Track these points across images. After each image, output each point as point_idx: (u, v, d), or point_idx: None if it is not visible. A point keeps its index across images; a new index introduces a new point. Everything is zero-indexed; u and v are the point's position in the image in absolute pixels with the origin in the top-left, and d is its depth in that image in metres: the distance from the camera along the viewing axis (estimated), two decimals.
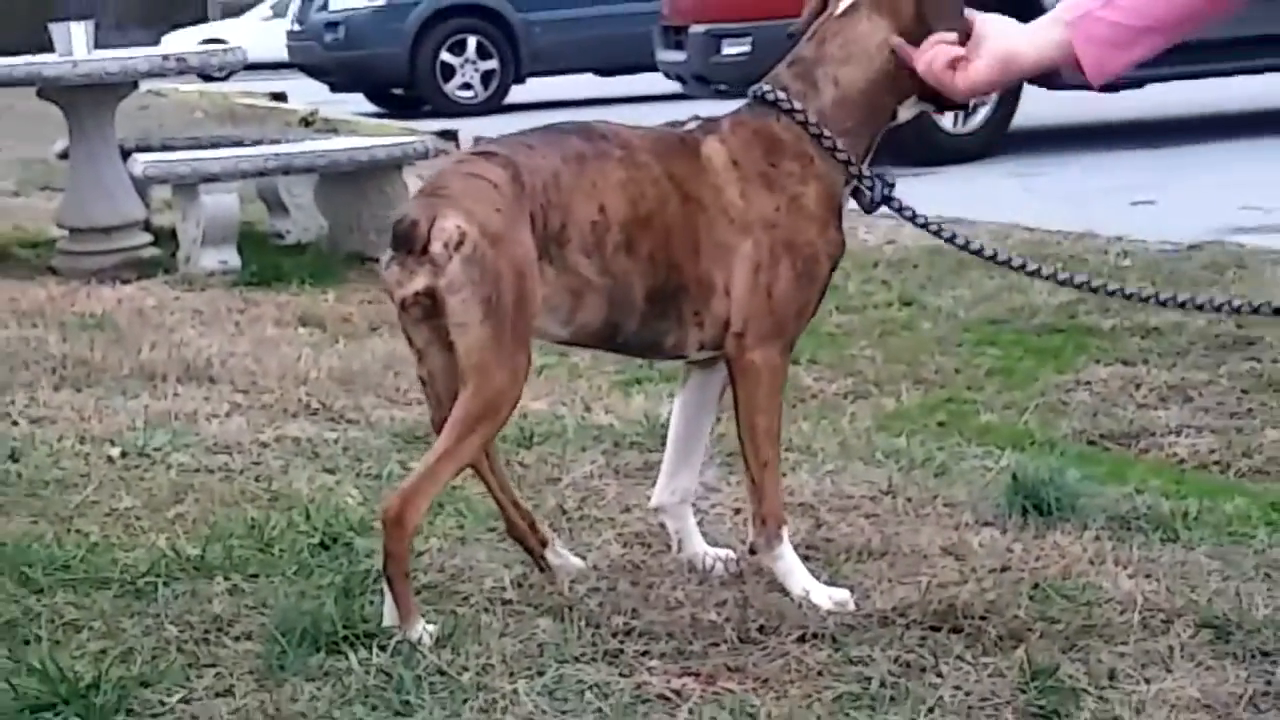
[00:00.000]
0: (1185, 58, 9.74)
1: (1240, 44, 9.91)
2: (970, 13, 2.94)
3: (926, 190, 8.35)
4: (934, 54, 2.93)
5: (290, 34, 18.71)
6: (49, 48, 7.73)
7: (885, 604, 3.07)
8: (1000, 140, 10.35)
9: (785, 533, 3.15)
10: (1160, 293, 3.23)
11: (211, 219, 7.08)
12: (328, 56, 17.40)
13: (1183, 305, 3.11)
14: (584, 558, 3.34)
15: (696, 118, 3.17)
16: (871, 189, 3.12)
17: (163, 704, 2.72)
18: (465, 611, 3.08)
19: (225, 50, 8.75)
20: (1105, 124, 11.75)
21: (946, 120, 9.89)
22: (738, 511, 3.62)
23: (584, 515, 3.68)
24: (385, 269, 2.90)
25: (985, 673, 2.78)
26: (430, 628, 2.91)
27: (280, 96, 19.50)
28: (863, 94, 3.08)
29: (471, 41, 16.84)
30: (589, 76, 17.70)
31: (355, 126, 14.21)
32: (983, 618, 2.99)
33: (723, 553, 3.31)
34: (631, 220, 2.97)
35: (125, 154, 7.62)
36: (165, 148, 8.25)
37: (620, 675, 2.78)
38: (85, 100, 7.54)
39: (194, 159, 7.39)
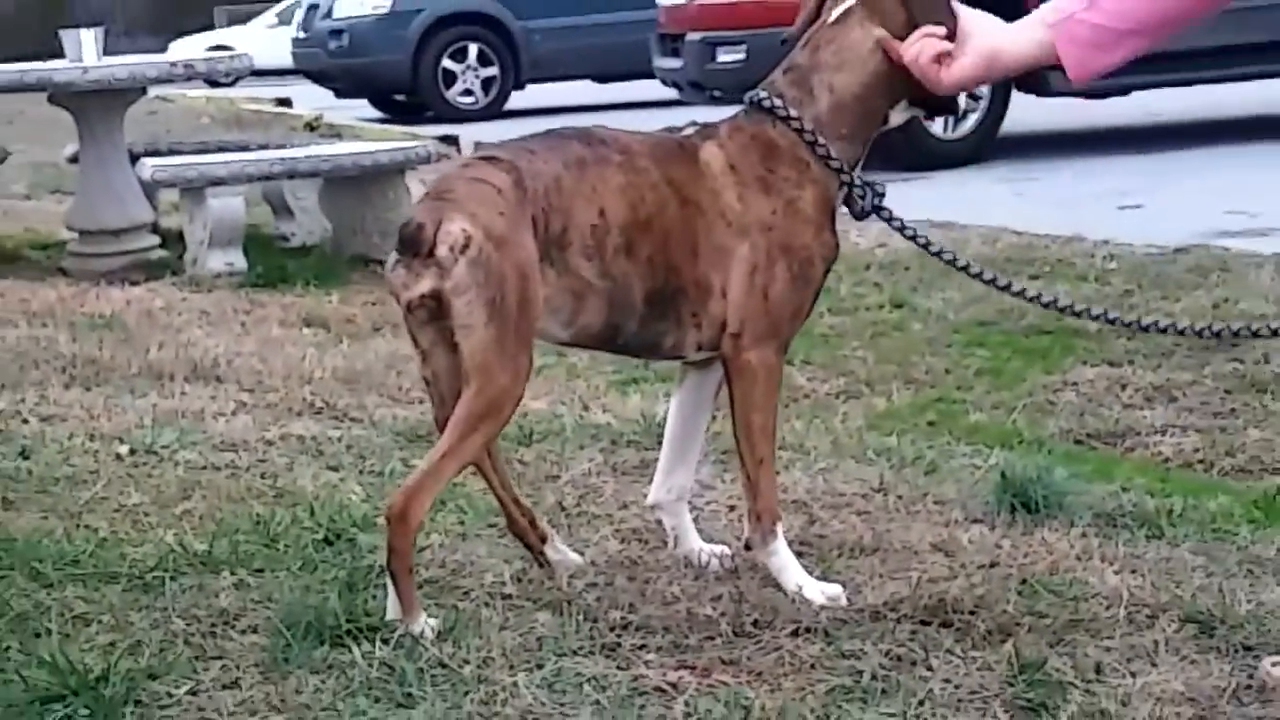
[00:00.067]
0: (1172, 65, 9.84)
1: (1225, 52, 9.93)
2: (958, 7, 2.95)
3: (918, 195, 8.40)
4: (921, 46, 2.94)
5: (295, 41, 18.70)
6: (60, 54, 7.73)
7: (876, 599, 3.07)
8: (990, 145, 10.35)
9: (780, 529, 3.15)
10: (1108, 311, 3.27)
11: (218, 222, 7.08)
12: (332, 63, 17.40)
13: (1145, 329, 3.15)
14: (582, 553, 3.34)
15: (694, 123, 3.18)
16: (863, 197, 3.13)
17: (170, 695, 2.73)
18: (466, 606, 3.08)
19: (232, 57, 8.74)
20: (1094, 130, 11.75)
21: (937, 126, 9.89)
22: (733, 508, 3.63)
23: (582, 512, 3.69)
24: (391, 271, 2.89)
25: (974, 666, 2.78)
26: (432, 621, 2.92)
27: (285, 102, 19.51)
28: (857, 99, 3.09)
29: (473, 49, 16.84)
30: (587, 83, 17.70)
31: (359, 132, 14.22)
32: (972, 612, 2.99)
33: (718, 549, 3.31)
34: (631, 224, 2.97)
35: (134, 158, 7.63)
36: (173, 152, 8.26)
37: (618, 668, 2.79)
38: (95, 105, 7.54)
39: (201, 163, 7.38)
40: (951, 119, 9.78)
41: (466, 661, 2.78)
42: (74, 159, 8.12)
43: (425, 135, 11.48)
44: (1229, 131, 11.01)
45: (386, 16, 16.86)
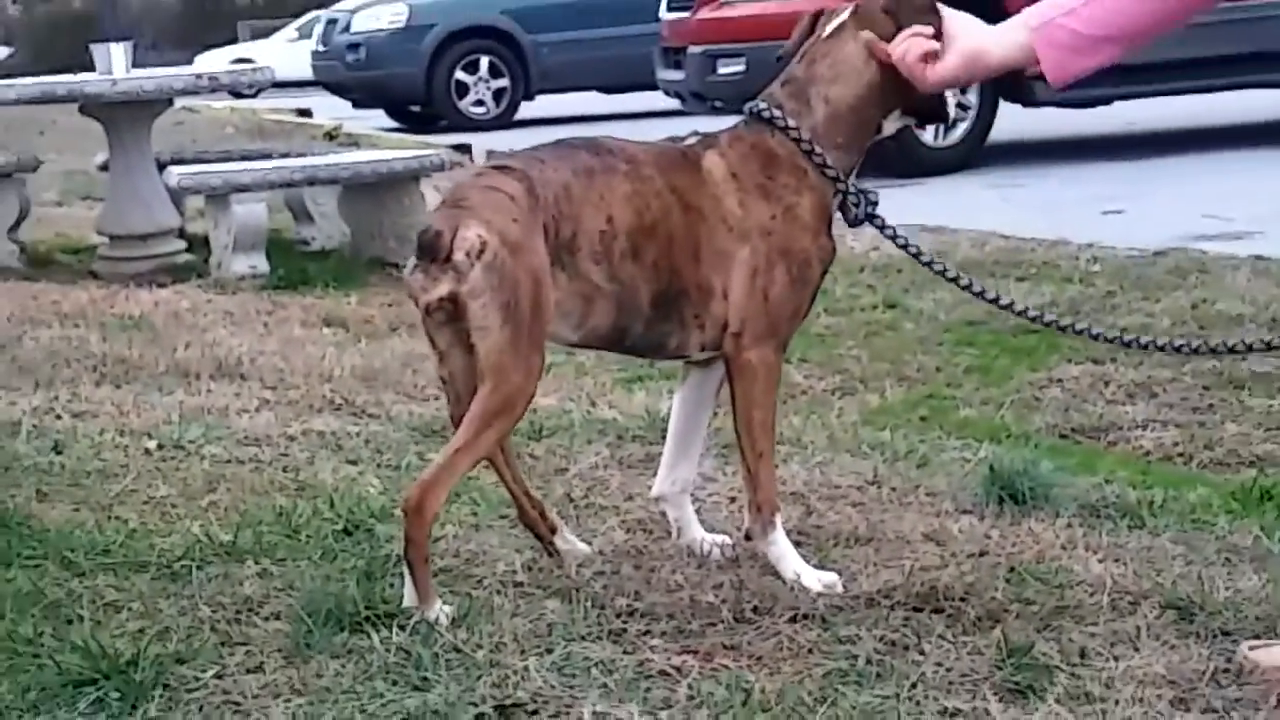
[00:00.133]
0: (1152, 76, 9.85)
1: (1202, 64, 9.92)
2: (942, 9, 2.96)
3: (910, 200, 8.39)
4: (908, 46, 2.94)
5: (315, 54, 18.69)
6: (90, 67, 7.74)
7: (871, 586, 3.07)
8: (979, 153, 10.34)
9: (779, 520, 3.15)
10: (1073, 322, 3.27)
11: (242, 227, 7.08)
12: (350, 75, 17.39)
13: (1128, 344, 3.17)
14: (590, 543, 3.34)
15: (696, 133, 3.18)
16: (857, 205, 3.13)
17: (197, 679, 2.72)
18: (479, 593, 3.08)
19: (254, 70, 8.75)
20: (1078, 138, 11.74)
21: (929, 134, 9.88)
22: (733, 500, 3.62)
23: (590, 504, 3.68)
24: (410, 276, 2.89)
25: (964, 651, 2.78)
26: (447, 608, 2.91)
27: (306, 113, 19.51)
28: (852, 110, 3.09)
29: (484, 61, 16.83)
30: (594, 94, 17.69)
31: (376, 140, 14.21)
32: (962, 599, 2.99)
33: (719, 538, 3.31)
34: (637, 229, 2.97)
35: (161, 166, 7.63)
36: (198, 160, 8.27)
37: (624, 653, 2.78)
38: (124, 116, 7.55)
39: (225, 171, 7.39)
40: (942, 128, 9.76)
41: (480, 646, 2.78)
42: (104, 167, 8.12)
43: (439, 144, 11.45)
44: (1207, 140, 11.00)
45: (402, 31, 16.86)
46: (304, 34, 28.82)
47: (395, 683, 2.68)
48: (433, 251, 2.82)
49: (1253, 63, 10.18)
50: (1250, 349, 3.09)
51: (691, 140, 3.14)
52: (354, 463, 4.08)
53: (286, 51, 30.14)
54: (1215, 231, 7.23)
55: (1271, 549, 3.31)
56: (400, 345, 5.54)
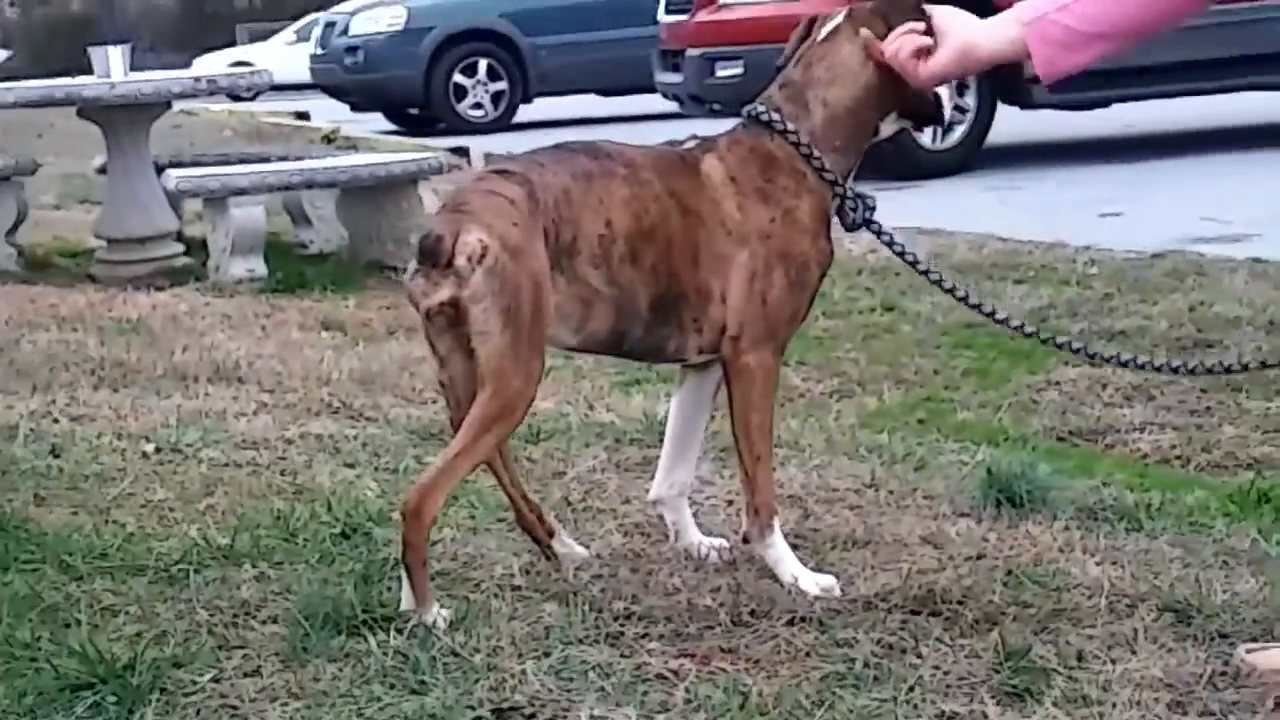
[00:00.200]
0: (1149, 79, 9.86)
1: (1199, 66, 9.93)
2: (932, 7, 2.96)
3: (908, 203, 8.40)
4: (901, 43, 2.95)
5: (313, 57, 18.71)
6: (88, 70, 7.74)
7: (869, 589, 3.07)
8: (977, 156, 10.34)
9: (776, 523, 3.15)
10: (1069, 340, 3.28)
11: (240, 230, 7.08)
12: (348, 78, 17.40)
13: (1125, 364, 3.17)
14: (587, 546, 3.34)
15: (694, 136, 3.18)
16: (855, 209, 3.13)
17: (194, 683, 2.72)
18: (477, 597, 3.08)
19: (252, 73, 8.75)
20: (1076, 141, 11.75)
21: (926, 137, 9.89)
22: (731, 503, 3.62)
23: (587, 507, 3.68)
24: (410, 280, 2.89)
25: (962, 654, 2.78)
26: (444, 612, 2.91)
27: (304, 116, 19.52)
28: (849, 112, 3.09)
29: (482, 64, 16.83)
30: (592, 97, 17.70)
31: (374, 144, 14.21)
32: (960, 602, 2.99)
33: (717, 542, 3.31)
34: (635, 233, 2.97)
35: (159, 169, 7.63)
36: (196, 163, 8.26)
37: (621, 656, 2.78)
38: (122, 119, 7.55)
39: (223, 174, 7.39)
40: (940, 130, 9.77)
41: (477, 650, 2.78)
42: (102, 170, 8.13)
43: (437, 147, 11.46)
44: (1204, 143, 11.01)
45: (400, 34, 16.87)
46: (302, 37, 28.82)
47: (393, 686, 2.68)
48: (434, 256, 2.82)
49: (1249, 65, 10.19)
50: (1246, 368, 3.10)
51: (690, 144, 3.15)
52: (351, 466, 4.08)
53: (285, 55, 30.13)
54: (1212, 234, 7.23)
55: (1269, 551, 3.31)
56: (398, 348, 5.54)
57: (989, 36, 2.82)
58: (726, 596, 3.02)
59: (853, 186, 3.13)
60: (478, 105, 16.83)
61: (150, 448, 4.24)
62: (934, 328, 5.65)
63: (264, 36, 36.90)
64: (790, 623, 2.91)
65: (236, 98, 23.66)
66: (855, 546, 3.36)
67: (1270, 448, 4.12)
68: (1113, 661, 2.74)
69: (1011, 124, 10.86)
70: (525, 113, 17.02)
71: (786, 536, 3.20)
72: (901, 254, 3.21)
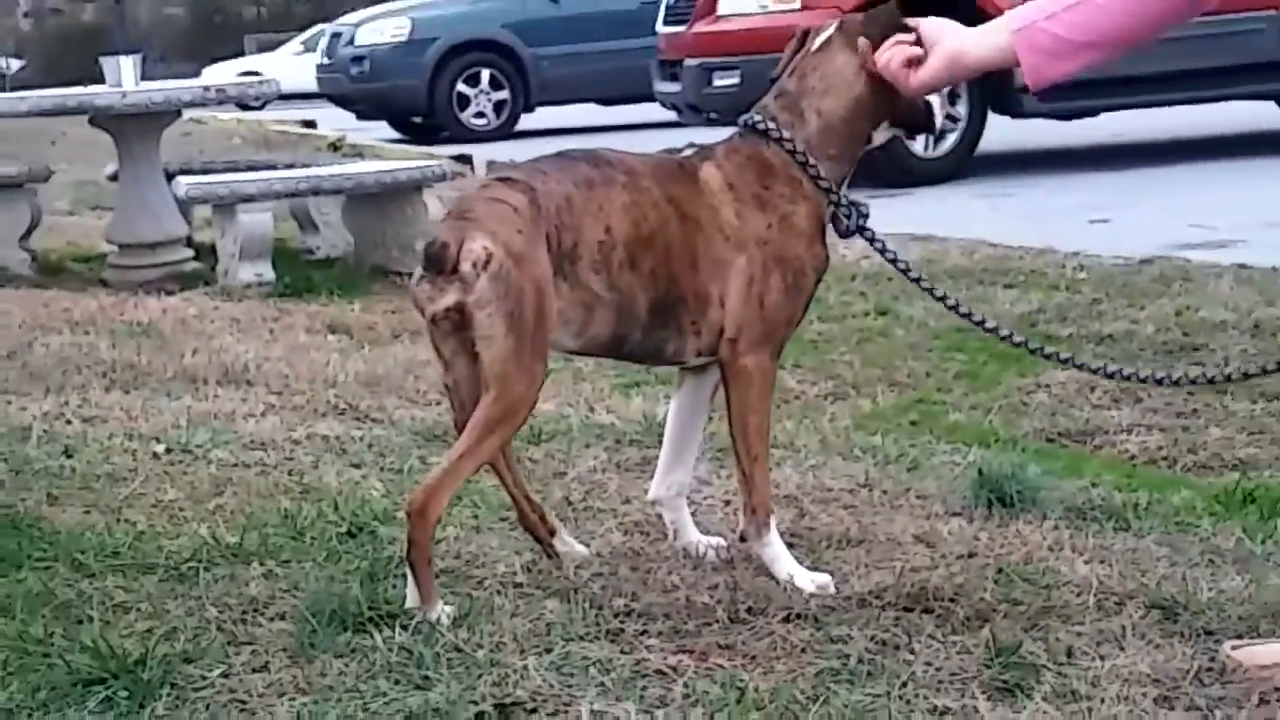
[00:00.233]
0: (1138, 89, 9.86)
1: (1187, 76, 9.94)
2: (915, 21, 2.96)
3: (900, 210, 8.40)
4: (892, 53, 2.95)
5: (320, 67, 18.70)
6: (100, 80, 7.74)
7: (863, 587, 3.07)
8: (968, 164, 10.34)
9: (773, 522, 3.15)
10: (1055, 352, 3.28)
11: (248, 236, 7.08)
12: (354, 88, 17.40)
13: (1111, 376, 3.17)
14: (588, 545, 3.34)
15: (692, 144, 3.18)
16: (849, 216, 3.13)
17: (204, 679, 2.73)
18: (480, 594, 3.08)
19: (260, 82, 8.77)
20: (1066, 149, 11.75)
21: (918, 145, 9.88)
22: (728, 503, 3.63)
23: (588, 506, 3.69)
24: (416, 286, 2.89)
25: (954, 650, 2.78)
26: (448, 609, 2.92)
27: (310, 124, 19.51)
28: (843, 121, 3.09)
29: (485, 74, 16.84)
30: (592, 106, 17.71)
31: (379, 151, 14.21)
32: (951, 600, 2.99)
33: (715, 540, 3.31)
34: (635, 239, 2.97)
35: (169, 176, 7.64)
36: (206, 171, 8.26)
37: (621, 652, 2.79)
38: (133, 128, 7.55)
39: (232, 181, 7.39)
40: (931, 139, 9.77)
41: (480, 646, 2.78)
42: (113, 177, 8.13)
43: (441, 155, 11.47)
44: (1191, 151, 11.01)
45: (404, 44, 16.87)
46: (309, 47, 28.83)
47: (397, 681, 2.68)
48: (439, 263, 2.82)
49: (1236, 75, 10.20)
50: (1229, 379, 3.10)
51: (688, 152, 3.15)
52: (357, 466, 4.08)
53: (292, 64, 30.14)
54: (1199, 240, 7.24)
55: (1253, 550, 3.31)
56: (403, 351, 5.54)
57: (977, 44, 2.82)
58: (724, 594, 3.02)
59: (847, 193, 3.14)
60: (481, 114, 16.83)
61: (161, 448, 4.24)
62: (926, 332, 5.65)
63: (272, 47, 36.90)
64: (786, 620, 2.91)
65: (245, 106, 23.68)
66: (850, 545, 3.36)
67: (1255, 449, 4.12)
68: (1101, 657, 2.74)
69: (1002, 132, 10.86)
70: (527, 121, 17.02)
71: (782, 535, 3.20)
72: (894, 261, 3.21)
